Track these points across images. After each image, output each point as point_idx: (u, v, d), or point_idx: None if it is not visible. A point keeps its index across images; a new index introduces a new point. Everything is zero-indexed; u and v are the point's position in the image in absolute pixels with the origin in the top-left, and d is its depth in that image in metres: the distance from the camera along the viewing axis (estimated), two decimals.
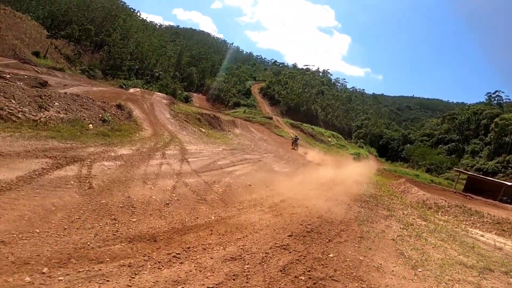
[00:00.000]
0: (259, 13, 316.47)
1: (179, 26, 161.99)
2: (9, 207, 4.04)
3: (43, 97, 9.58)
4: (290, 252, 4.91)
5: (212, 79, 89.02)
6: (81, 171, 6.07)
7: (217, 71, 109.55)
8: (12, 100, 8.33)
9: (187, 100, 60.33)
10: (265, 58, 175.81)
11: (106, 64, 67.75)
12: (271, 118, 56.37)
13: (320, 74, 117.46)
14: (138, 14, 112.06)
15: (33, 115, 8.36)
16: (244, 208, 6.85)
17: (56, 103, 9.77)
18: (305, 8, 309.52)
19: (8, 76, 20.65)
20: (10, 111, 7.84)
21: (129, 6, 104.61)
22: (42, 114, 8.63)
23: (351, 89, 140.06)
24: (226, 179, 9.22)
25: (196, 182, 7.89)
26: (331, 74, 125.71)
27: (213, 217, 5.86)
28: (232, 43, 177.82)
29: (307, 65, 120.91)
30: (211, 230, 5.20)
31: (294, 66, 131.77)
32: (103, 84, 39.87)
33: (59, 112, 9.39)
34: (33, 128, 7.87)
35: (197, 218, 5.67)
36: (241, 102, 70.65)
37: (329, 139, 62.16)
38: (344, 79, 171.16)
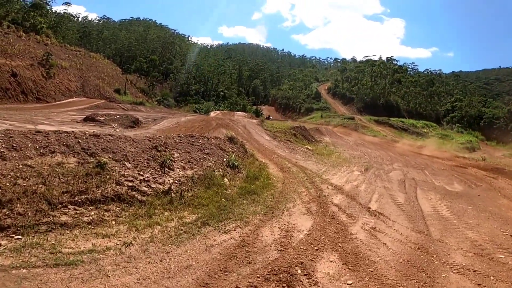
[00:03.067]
0: (300, 15, 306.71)
1: (228, 43, 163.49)
2: None
3: (160, 148, 6.73)
4: None
5: (276, 88, 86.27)
6: None
7: (277, 79, 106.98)
8: (126, 163, 5.49)
9: (257, 114, 58.04)
10: (319, 58, 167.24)
11: (175, 91, 69.82)
12: (353, 119, 50.62)
13: (377, 63, 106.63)
14: (190, 39, 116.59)
15: (160, 183, 5.41)
16: None
17: (175, 154, 6.87)
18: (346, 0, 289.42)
19: (102, 118, 19.75)
20: (130, 184, 4.93)
21: (180, 33, 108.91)
22: (169, 178, 5.66)
23: (425, 72, 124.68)
24: (455, 235, 5.60)
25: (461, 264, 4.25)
26: (397, 61, 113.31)
27: None
28: (282, 50, 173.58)
29: (367, 56, 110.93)
30: None
31: (354, 60, 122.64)
32: (180, 111, 39.46)
33: (184, 168, 6.42)
34: (170, 210, 4.90)
35: None
36: (313, 106, 65.86)
37: (425, 130, 53.67)
38: (414, 62, 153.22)
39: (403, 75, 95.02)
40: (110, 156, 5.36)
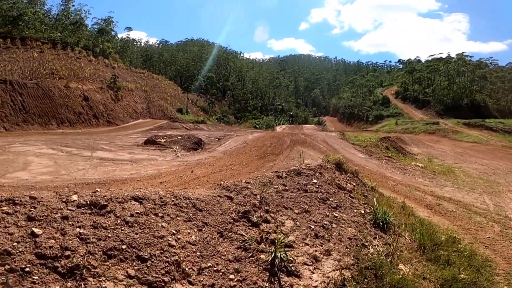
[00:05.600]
0: (348, 21, 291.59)
1: (279, 56, 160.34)
2: None
3: (255, 216, 3.23)
4: None
5: (336, 97, 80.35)
6: None
7: (335, 88, 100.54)
8: None
9: (320, 125, 53.30)
10: (377, 62, 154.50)
11: (234, 108, 68.75)
12: (437, 123, 43.08)
13: (454, 59, 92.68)
14: (242, 55, 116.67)
15: None
16: None
17: (286, 222, 3.30)
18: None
19: (163, 140, 17.63)
20: None
21: (232, 49, 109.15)
22: None
23: (507, 66, 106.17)
24: None
25: None
26: (470, 56, 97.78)
27: None
28: (335, 57, 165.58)
29: (432, 55, 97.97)
30: None
31: (418, 60, 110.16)
32: (241, 128, 37.11)
33: (316, 259, 2.82)
34: None
35: None
36: (383, 113, 58.53)
37: None
38: (491, 57, 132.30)
39: (487, 71, 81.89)
40: (133, 273, 1.86)
